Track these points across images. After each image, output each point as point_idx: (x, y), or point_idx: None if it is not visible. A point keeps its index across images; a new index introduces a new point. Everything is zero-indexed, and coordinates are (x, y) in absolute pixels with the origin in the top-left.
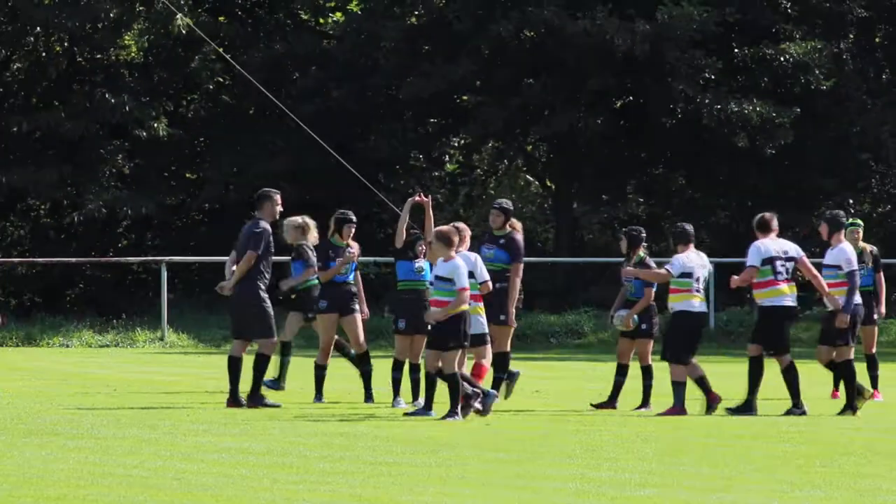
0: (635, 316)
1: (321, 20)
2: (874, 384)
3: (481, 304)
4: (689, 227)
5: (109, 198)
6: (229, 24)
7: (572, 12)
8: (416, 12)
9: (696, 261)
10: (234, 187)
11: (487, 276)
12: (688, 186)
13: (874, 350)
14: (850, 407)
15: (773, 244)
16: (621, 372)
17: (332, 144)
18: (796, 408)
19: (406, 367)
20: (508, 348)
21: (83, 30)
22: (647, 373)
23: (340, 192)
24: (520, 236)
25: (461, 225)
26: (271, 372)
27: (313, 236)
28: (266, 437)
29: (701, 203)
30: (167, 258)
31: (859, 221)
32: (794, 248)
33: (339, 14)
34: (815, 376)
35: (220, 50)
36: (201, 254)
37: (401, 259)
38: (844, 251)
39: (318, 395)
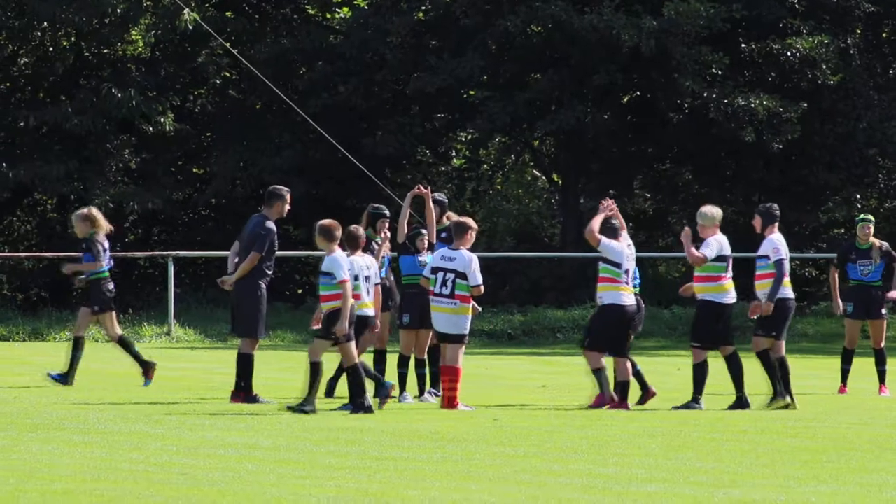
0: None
1: (328, 15)
2: (882, 379)
3: (471, 305)
4: (615, 221)
5: (116, 192)
6: (236, 19)
7: (579, 7)
8: (423, 7)
9: (626, 251)
10: (240, 182)
11: (480, 280)
12: (694, 181)
13: (883, 345)
14: (779, 395)
15: (724, 240)
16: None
17: (339, 139)
18: (741, 399)
19: (412, 362)
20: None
21: (90, 25)
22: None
23: (347, 186)
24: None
25: (469, 220)
26: (62, 367)
27: (103, 228)
28: (272, 432)
29: (707, 198)
30: (174, 253)
31: (870, 217)
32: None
33: (346, 9)
34: (820, 371)
35: (227, 45)
36: (208, 248)
37: (404, 254)
38: (773, 241)
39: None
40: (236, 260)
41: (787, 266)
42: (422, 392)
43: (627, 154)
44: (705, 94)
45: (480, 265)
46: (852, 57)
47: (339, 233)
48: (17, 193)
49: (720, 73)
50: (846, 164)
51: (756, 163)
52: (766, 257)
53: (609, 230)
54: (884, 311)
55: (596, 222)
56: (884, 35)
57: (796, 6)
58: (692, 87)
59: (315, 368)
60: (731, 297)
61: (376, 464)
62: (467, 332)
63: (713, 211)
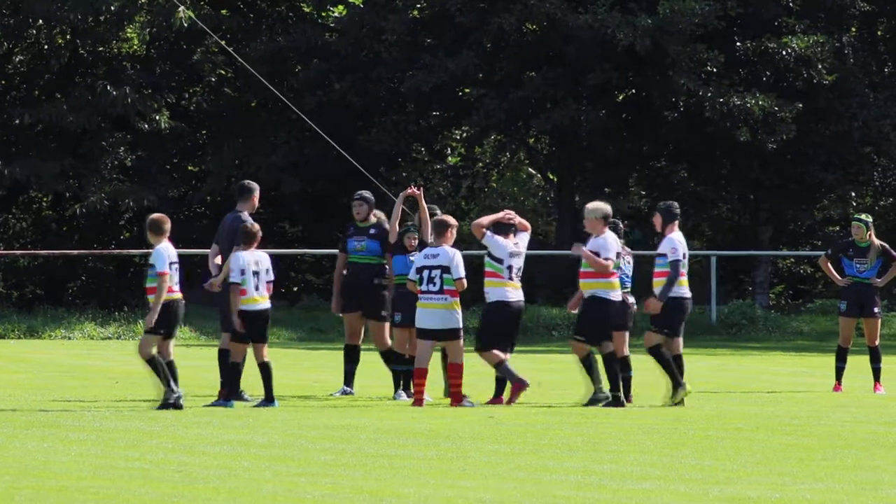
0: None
1: (323, 13)
2: (876, 377)
3: (458, 300)
4: (513, 218)
5: (111, 190)
6: (231, 17)
7: (574, 5)
8: (419, 5)
9: (512, 249)
10: (235, 180)
11: (463, 273)
12: (690, 179)
13: (877, 342)
14: (679, 386)
15: (613, 237)
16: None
17: (334, 137)
18: (599, 394)
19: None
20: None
21: (85, 22)
22: (623, 364)
23: (342, 184)
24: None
25: (449, 218)
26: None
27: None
28: (267, 429)
29: (703, 196)
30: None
31: (863, 217)
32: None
33: (340, 7)
34: (815, 369)
35: (223, 43)
36: (203, 246)
37: (396, 254)
38: (671, 240)
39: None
40: (217, 260)
41: (683, 266)
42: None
43: (622, 152)
44: (700, 93)
45: (476, 263)
46: (847, 56)
47: (167, 226)
48: (12, 191)
49: (715, 71)
50: (841, 162)
51: (751, 161)
52: (665, 255)
53: (502, 227)
54: (877, 309)
55: (486, 219)
56: (879, 33)
57: (791, 5)
58: (687, 85)
59: (152, 364)
60: (617, 294)
61: (371, 461)
62: (461, 325)
63: (600, 206)
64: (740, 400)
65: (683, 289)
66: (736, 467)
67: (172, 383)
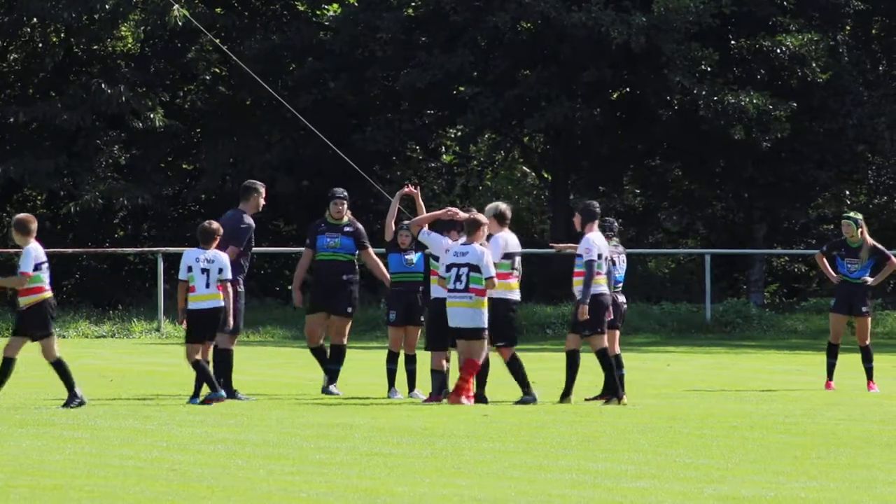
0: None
1: (318, 11)
2: (869, 376)
3: (484, 299)
4: (455, 215)
5: (106, 188)
6: (226, 15)
7: (568, 4)
8: (413, 3)
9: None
10: (230, 178)
11: (493, 272)
12: (684, 178)
13: (868, 342)
14: (611, 394)
15: (511, 238)
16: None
17: (329, 135)
18: (527, 395)
19: (401, 359)
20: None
21: (79, 20)
22: (616, 362)
23: (336, 182)
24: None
25: (481, 216)
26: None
27: None
28: (262, 427)
29: (697, 194)
30: (163, 249)
31: (853, 215)
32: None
33: (335, 6)
34: (809, 367)
35: (217, 41)
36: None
37: (392, 252)
38: (588, 240)
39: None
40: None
41: (599, 266)
42: (412, 388)
43: (617, 150)
44: (695, 91)
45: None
46: (841, 54)
47: (34, 226)
48: (6, 189)
49: (710, 69)
50: (836, 160)
51: (745, 159)
52: (581, 255)
53: (448, 224)
54: (865, 308)
55: (427, 216)
56: (873, 32)
57: (785, 3)
58: (682, 84)
59: (58, 365)
60: (517, 294)
61: (366, 459)
62: (486, 325)
63: (496, 205)
64: (735, 398)
65: (600, 286)
66: (730, 466)
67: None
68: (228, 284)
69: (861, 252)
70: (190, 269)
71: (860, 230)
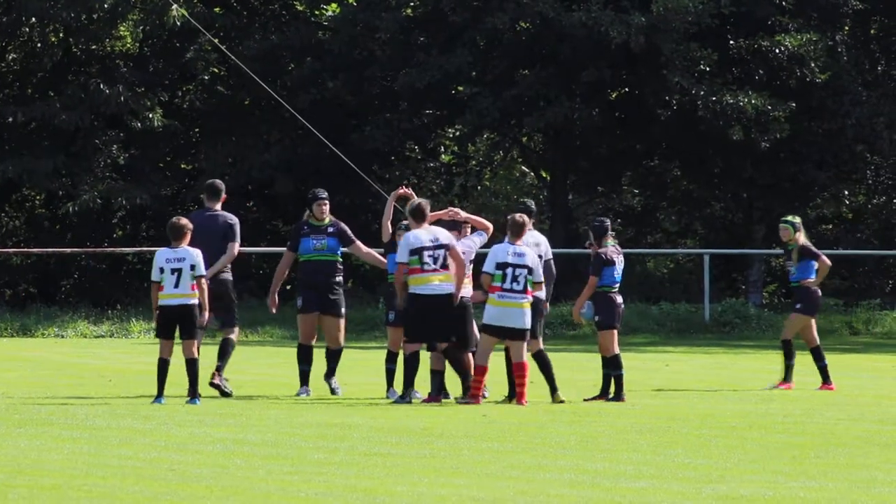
0: (586, 311)
1: (316, 11)
2: (824, 375)
3: (530, 299)
4: (457, 214)
5: (104, 188)
6: (224, 15)
7: (567, 4)
8: (412, 3)
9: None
10: (228, 178)
11: (543, 277)
12: (683, 178)
13: (791, 337)
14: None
15: (423, 234)
16: (607, 364)
17: (327, 135)
18: (410, 394)
19: (400, 358)
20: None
21: (78, 20)
22: (615, 363)
23: (335, 182)
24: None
25: (525, 218)
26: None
27: None
28: (261, 427)
29: (696, 195)
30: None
31: (789, 218)
32: (444, 235)
33: (334, 5)
34: (808, 367)
35: (216, 41)
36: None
37: (390, 252)
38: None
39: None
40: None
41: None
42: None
43: (616, 150)
44: (693, 91)
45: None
46: (840, 54)
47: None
48: (5, 189)
49: (708, 69)
50: (835, 160)
51: (744, 160)
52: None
53: (449, 224)
54: (798, 305)
55: (429, 216)
56: (872, 32)
57: (784, 3)
58: (680, 84)
59: None
60: (427, 289)
61: (365, 459)
62: (530, 326)
63: (413, 203)
64: (733, 398)
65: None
66: (729, 466)
67: None
68: (203, 280)
69: (794, 253)
70: (162, 269)
71: (798, 233)
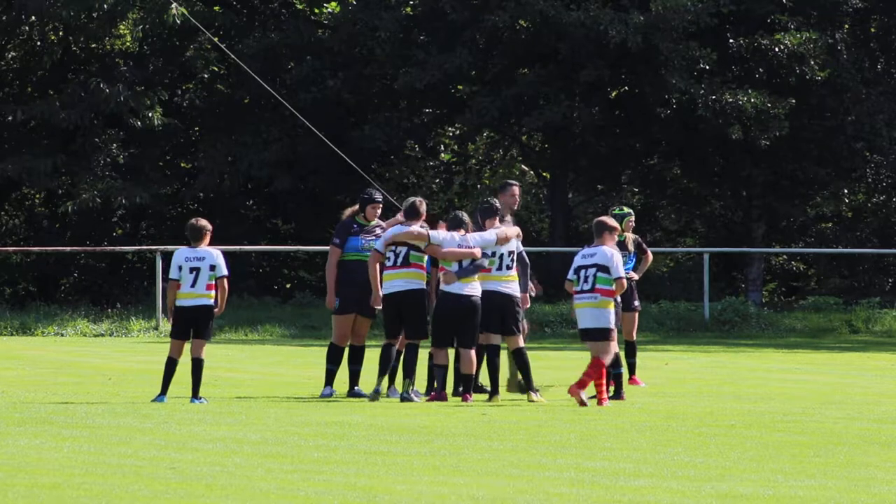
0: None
1: (316, 10)
2: (632, 371)
3: (610, 299)
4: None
5: (104, 187)
6: (224, 14)
7: (567, 3)
8: (412, 2)
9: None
10: (228, 177)
11: (622, 273)
12: (682, 176)
13: (634, 337)
14: (531, 389)
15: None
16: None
17: (327, 134)
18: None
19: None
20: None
21: (78, 19)
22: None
23: (335, 181)
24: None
25: (609, 219)
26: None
27: None
28: (260, 426)
29: (696, 193)
30: (162, 247)
31: (627, 210)
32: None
33: (333, 4)
34: (808, 366)
35: (216, 39)
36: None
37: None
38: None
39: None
40: None
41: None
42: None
43: (615, 149)
44: (693, 90)
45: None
46: (840, 52)
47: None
48: (4, 188)
49: (708, 68)
50: (834, 158)
51: (743, 158)
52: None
53: (454, 223)
54: (636, 302)
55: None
56: (871, 30)
57: (784, 2)
58: (679, 83)
59: None
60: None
61: (364, 458)
62: (612, 325)
63: (409, 201)
64: (733, 397)
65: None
66: (728, 464)
67: None
68: (225, 281)
69: (627, 245)
70: (180, 268)
71: (627, 225)
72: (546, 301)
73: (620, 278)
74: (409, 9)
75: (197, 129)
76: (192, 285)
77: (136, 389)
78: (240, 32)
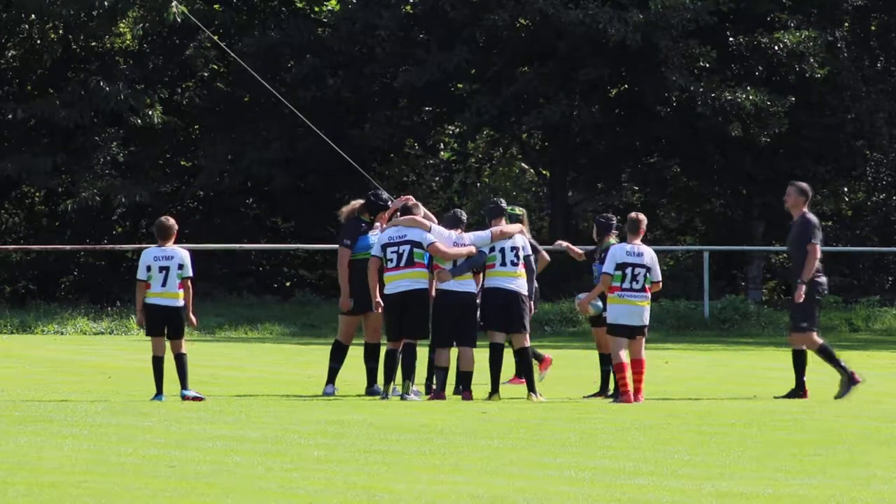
0: (597, 303)
1: (316, 8)
2: (517, 373)
3: (648, 297)
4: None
5: (104, 185)
6: (224, 12)
7: (566, 1)
8: (412, 0)
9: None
10: (228, 175)
11: (660, 276)
12: (682, 175)
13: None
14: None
15: (392, 230)
16: (606, 361)
17: (327, 132)
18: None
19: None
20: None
21: (78, 17)
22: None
23: (335, 179)
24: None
25: (640, 216)
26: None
27: None
28: (260, 424)
29: (695, 191)
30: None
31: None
32: (414, 232)
33: (333, 2)
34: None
35: (216, 38)
36: (195, 242)
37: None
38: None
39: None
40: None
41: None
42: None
43: (615, 148)
44: (692, 88)
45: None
46: (840, 50)
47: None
48: (4, 186)
49: (707, 66)
50: (834, 156)
51: (743, 156)
52: None
53: (452, 222)
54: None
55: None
56: (871, 28)
57: (784, 0)
58: (679, 82)
59: None
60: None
61: (364, 456)
62: (646, 322)
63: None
64: (733, 395)
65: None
66: (728, 463)
67: None
68: (189, 282)
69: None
70: (149, 268)
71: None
72: (545, 300)
73: (659, 281)
74: (408, 7)
75: (197, 127)
76: (163, 284)
77: (136, 388)
78: (240, 31)
